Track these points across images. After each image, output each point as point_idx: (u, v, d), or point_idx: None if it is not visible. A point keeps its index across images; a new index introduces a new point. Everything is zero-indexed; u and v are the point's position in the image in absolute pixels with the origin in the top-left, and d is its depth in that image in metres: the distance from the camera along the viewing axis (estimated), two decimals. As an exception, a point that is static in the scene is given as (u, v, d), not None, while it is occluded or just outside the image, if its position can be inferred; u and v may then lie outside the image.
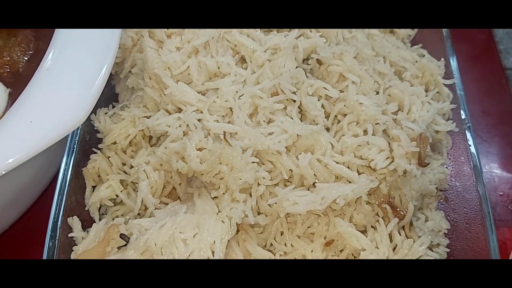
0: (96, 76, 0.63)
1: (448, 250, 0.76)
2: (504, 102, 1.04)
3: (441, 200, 0.81)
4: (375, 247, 0.68)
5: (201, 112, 0.73)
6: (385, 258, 0.67)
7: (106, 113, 0.80)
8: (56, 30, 0.72)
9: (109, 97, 0.86)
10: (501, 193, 0.93)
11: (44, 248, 0.67)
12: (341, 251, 0.71)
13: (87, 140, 0.78)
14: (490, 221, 0.72)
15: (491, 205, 0.90)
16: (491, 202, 0.90)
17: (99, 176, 0.77)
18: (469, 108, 1.00)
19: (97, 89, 0.62)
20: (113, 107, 0.83)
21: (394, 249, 0.69)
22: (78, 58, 0.66)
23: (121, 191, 0.75)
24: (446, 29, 0.90)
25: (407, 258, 0.67)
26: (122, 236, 0.66)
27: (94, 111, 0.79)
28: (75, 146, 0.74)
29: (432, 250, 0.72)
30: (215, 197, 0.69)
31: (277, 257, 0.70)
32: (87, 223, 0.73)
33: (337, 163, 0.72)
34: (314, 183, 0.71)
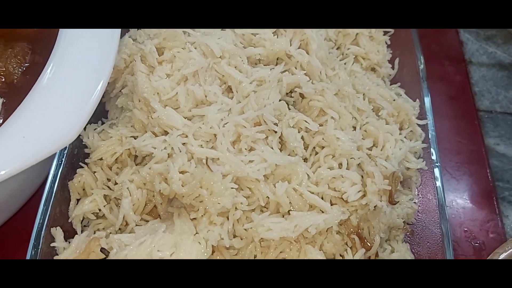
0: (91, 95, 0.67)
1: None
2: (474, 142, 1.10)
3: (408, 233, 0.86)
4: (341, 275, 0.72)
5: (186, 136, 0.77)
6: (350, 286, 0.71)
7: (95, 129, 0.84)
8: (56, 45, 0.75)
9: (99, 113, 0.89)
10: (465, 229, 0.98)
11: (26, 256, 0.70)
12: (309, 277, 0.75)
13: (75, 153, 0.81)
14: (450, 255, 0.76)
15: (455, 240, 0.96)
16: (455, 238, 0.96)
17: (84, 189, 0.80)
18: (441, 145, 1.06)
19: (91, 106, 0.66)
20: (102, 123, 0.87)
21: (359, 278, 0.73)
22: (74, 76, 0.70)
23: (104, 206, 0.78)
24: (423, 70, 0.96)
25: None
26: (102, 250, 0.69)
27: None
28: (63, 159, 0.77)
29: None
30: (194, 219, 0.73)
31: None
32: (69, 234, 0.76)
33: (312, 193, 0.76)
34: (289, 210, 0.75)
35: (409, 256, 0.83)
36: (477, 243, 0.97)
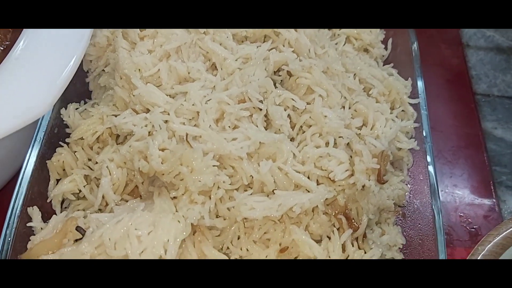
0: (64, 67, 0.65)
1: (401, 264, 0.77)
2: (471, 125, 1.07)
3: (399, 216, 0.83)
4: (327, 256, 0.69)
5: (168, 114, 0.75)
6: (335, 267, 0.68)
7: (77, 109, 0.82)
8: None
9: (82, 93, 0.87)
10: (461, 214, 0.95)
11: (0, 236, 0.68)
12: (295, 258, 0.72)
13: (55, 133, 0.79)
14: (441, 237, 0.74)
15: (451, 225, 0.93)
16: (450, 223, 0.93)
17: (64, 170, 0.78)
18: (437, 129, 1.03)
19: (64, 80, 0.64)
20: (85, 103, 0.85)
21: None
22: (47, 49, 0.67)
23: (84, 186, 0.76)
24: (416, 49, 0.93)
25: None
26: (78, 228, 0.67)
27: (65, 106, 0.82)
28: (42, 137, 0.75)
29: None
30: (174, 198, 0.70)
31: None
32: (48, 216, 0.74)
33: (298, 172, 0.74)
34: (273, 190, 0.73)
35: (400, 239, 0.80)
36: (473, 228, 0.94)
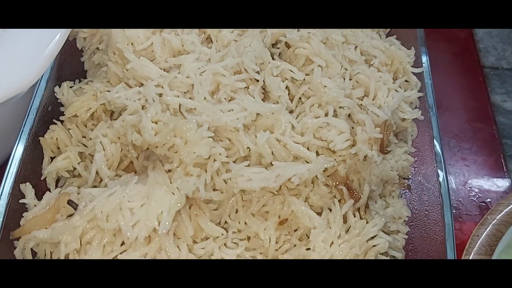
0: (51, 40, 0.63)
1: (407, 237, 0.75)
2: (479, 99, 1.03)
3: (404, 189, 0.80)
4: (327, 226, 0.67)
5: (162, 87, 0.73)
6: (336, 237, 0.66)
7: (71, 87, 0.80)
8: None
9: (77, 73, 0.86)
10: (469, 188, 0.92)
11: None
12: (295, 230, 0.70)
13: (48, 110, 0.77)
14: (448, 207, 0.71)
15: (460, 199, 0.90)
16: (459, 197, 0.90)
17: (58, 148, 0.77)
18: (444, 103, 1.00)
19: (50, 52, 0.62)
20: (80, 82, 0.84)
21: (347, 231, 0.68)
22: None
23: (79, 163, 0.75)
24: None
25: (358, 238, 0.66)
26: (70, 202, 0.65)
27: (59, 84, 0.80)
28: (35, 114, 0.74)
29: (389, 235, 0.71)
30: (169, 171, 0.68)
31: (230, 234, 0.69)
32: (43, 194, 0.72)
33: (296, 143, 0.71)
34: (271, 162, 0.70)
35: (405, 211, 0.77)
36: (483, 202, 0.91)
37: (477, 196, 0.91)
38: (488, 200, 0.90)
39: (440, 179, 0.72)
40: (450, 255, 0.67)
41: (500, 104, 1.03)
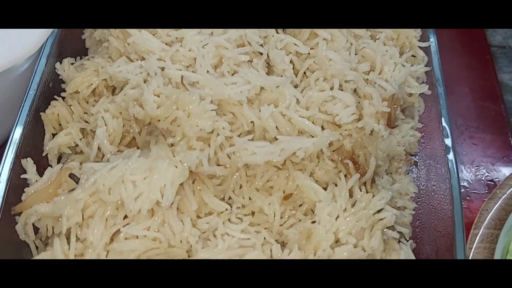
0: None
1: (414, 212, 0.73)
2: (487, 78, 1.01)
3: (411, 165, 0.79)
4: (333, 200, 0.66)
5: (164, 61, 0.72)
6: (342, 210, 0.64)
7: (72, 64, 0.79)
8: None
9: (78, 50, 0.85)
10: (477, 166, 0.90)
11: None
12: (300, 205, 0.68)
13: (49, 87, 0.76)
14: (456, 180, 0.69)
15: (467, 178, 0.88)
16: (467, 175, 0.89)
17: (60, 124, 0.76)
18: (451, 82, 0.98)
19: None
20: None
21: (353, 205, 0.67)
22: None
23: (80, 139, 0.74)
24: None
25: (364, 212, 0.64)
26: (71, 176, 0.64)
27: (60, 60, 0.79)
28: (35, 89, 0.72)
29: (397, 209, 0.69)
30: (172, 145, 0.67)
31: (234, 209, 0.68)
32: (45, 170, 0.71)
33: (302, 117, 0.70)
34: (275, 137, 0.69)
35: (412, 187, 0.76)
36: (490, 180, 0.89)
37: (485, 175, 0.90)
38: (496, 179, 0.89)
39: (448, 154, 0.71)
40: (459, 229, 0.65)
41: (508, 82, 1.01)
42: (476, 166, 0.90)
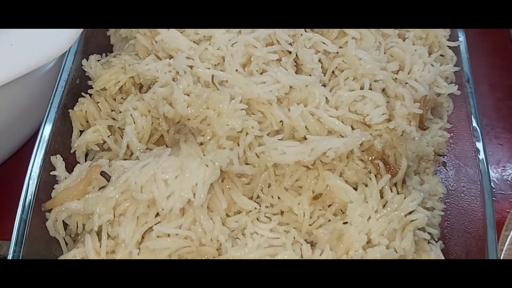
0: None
1: (442, 213, 0.73)
2: (511, 77, 1.00)
3: (439, 166, 0.78)
4: (364, 201, 0.65)
5: (192, 60, 0.71)
6: (374, 211, 0.64)
7: (98, 60, 0.79)
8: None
9: (104, 47, 0.85)
10: (503, 167, 0.89)
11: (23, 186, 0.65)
12: (329, 206, 0.68)
13: (77, 83, 0.76)
14: (488, 182, 0.68)
15: (493, 178, 0.87)
16: (493, 176, 0.88)
17: (87, 121, 0.76)
18: (476, 82, 0.97)
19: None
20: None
21: (384, 205, 0.66)
22: None
23: (108, 136, 0.74)
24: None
25: (396, 213, 0.64)
26: (103, 173, 0.64)
27: (86, 57, 0.79)
28: (64, 86, 0.72)
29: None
30: (201, 144, 0.67)
31: (263, 208, 0.68)
32: (72, 167, 0.72)
33: (331, 117, 0.69)
34: (305, 136, 0.69)
35: (440, 188, 0.75)
36: (517, 182, 0.88)
37: (511, 175, 0.89)
38: (523, 179, 0.88)
39: (479, 154, 0.70)
40: (490, 231, 0.65)
41: (533, 82, 1.00)
42: (502, 167, 0.90)
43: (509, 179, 0.88)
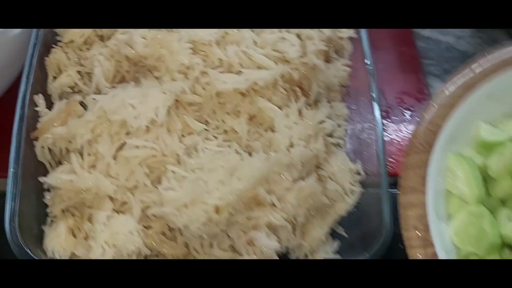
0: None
1: (347, 127, 0.95)
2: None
3: (344, 95, 1.00)
4: (285, 116, 0.86)
5: (146, 13, 0.88)
6: (294, 123, 0.85)
7: (63, 19, 0.94)
8: None
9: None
10: (397, 97, 1.13)
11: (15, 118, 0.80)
12: (261, 124, 0.88)
13: (48, 38, 0.91)
14: (377, 104, 0.90)
15: (389, 106, 1.11)
16: (389, 104, 1.11)
17: (59, 69, 0.91)
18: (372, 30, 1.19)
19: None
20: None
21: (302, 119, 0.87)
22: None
23: (79, 80, 0.89)
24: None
25: (311, 123, 0.85)
26: (81, 103, 0.80)
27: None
28: (38, 39, 0.87)
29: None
30: (158, 78, 0.85)
31: (210, 130, 0.86)
32: (49, 108, 0.87)
33: (259, 55, 0.89)
34: (240, 70, 0.88)
35: (345, 110, 0.97)
36: (407, 108, 1.12)
37: (402, 103, 1.13)
38: (411, 106, 1.12)
39: (371, 86, 0.91)
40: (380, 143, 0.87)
41: (418, 31, 1.24)
42: (397, 97, 1.13)
43: (401, 106, 1.12)
